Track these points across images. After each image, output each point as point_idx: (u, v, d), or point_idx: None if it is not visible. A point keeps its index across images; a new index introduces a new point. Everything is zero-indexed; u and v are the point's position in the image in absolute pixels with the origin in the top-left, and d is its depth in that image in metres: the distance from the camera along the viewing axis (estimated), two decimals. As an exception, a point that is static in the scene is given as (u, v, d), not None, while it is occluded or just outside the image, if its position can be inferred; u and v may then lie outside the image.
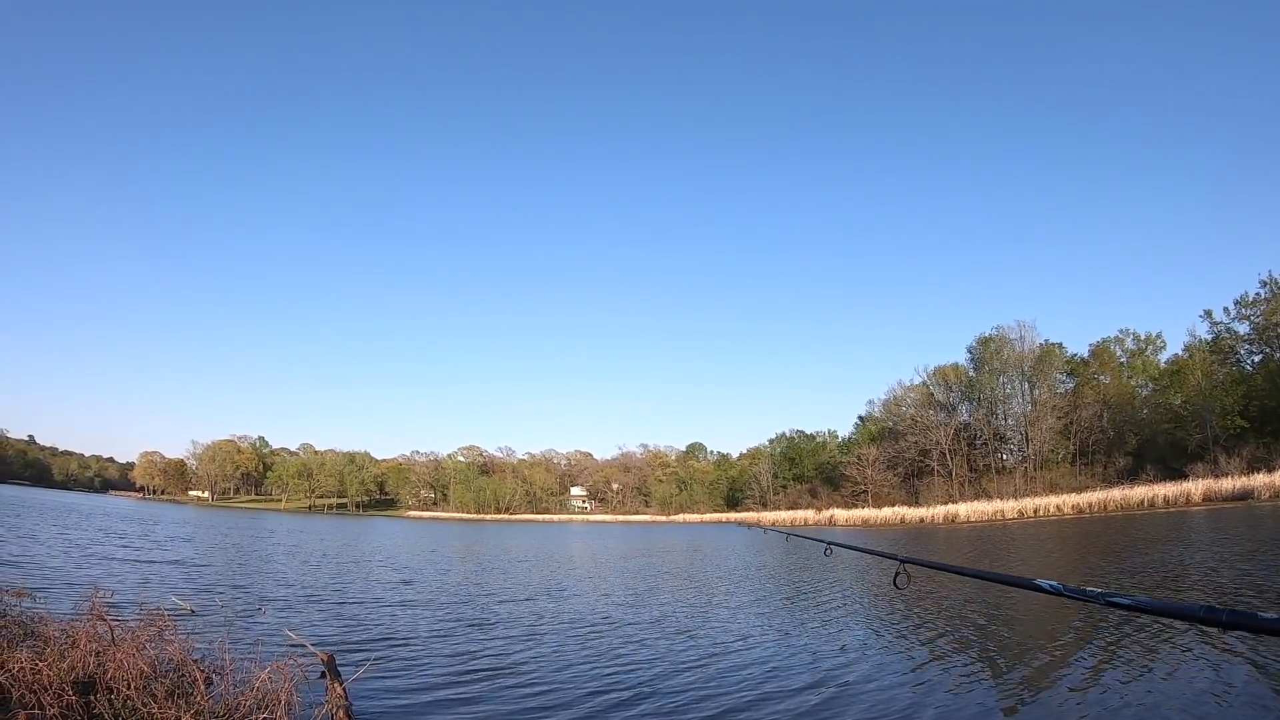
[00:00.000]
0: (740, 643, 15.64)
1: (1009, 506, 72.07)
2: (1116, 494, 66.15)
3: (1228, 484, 58.89)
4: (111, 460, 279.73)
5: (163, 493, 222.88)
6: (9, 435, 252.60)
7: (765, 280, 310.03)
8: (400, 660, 14.03)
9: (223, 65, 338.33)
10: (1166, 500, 60.55)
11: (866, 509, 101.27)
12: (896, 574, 4.85)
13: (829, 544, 8.17)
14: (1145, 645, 13.36)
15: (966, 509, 77.15)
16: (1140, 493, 63.88)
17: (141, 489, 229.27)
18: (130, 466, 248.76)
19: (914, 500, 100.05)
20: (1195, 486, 60.65)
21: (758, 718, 10.23)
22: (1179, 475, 68.49)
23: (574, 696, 11.40)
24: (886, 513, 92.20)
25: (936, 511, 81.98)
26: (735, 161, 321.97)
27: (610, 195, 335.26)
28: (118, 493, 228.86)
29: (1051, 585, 3.41)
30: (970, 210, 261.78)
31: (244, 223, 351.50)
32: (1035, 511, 70.34)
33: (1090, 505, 66.58)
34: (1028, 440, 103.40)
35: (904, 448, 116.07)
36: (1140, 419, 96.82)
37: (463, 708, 10.96)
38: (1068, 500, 69.49)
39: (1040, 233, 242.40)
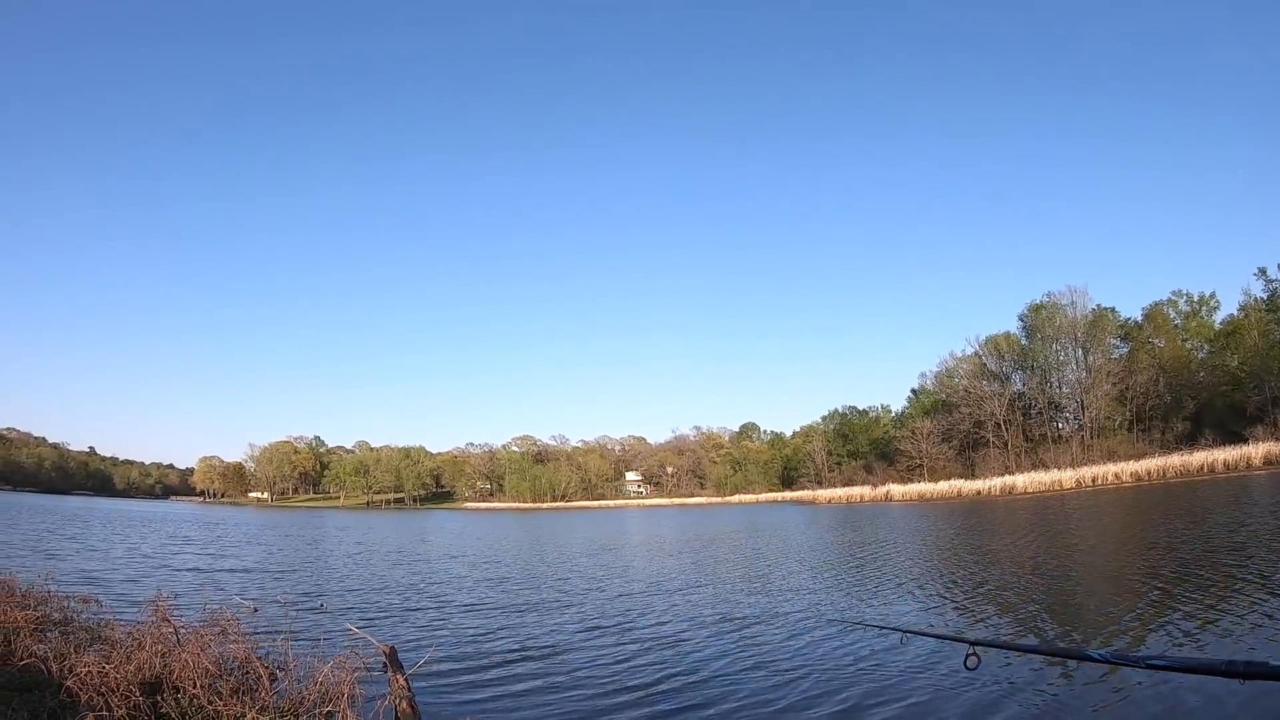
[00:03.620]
0: (799, 636, 15.42)
1: (1066, 476, 71.29)
2: (1175, 460, 64.94)
3: (1290, 447, 57.36)
4: (171, 467, 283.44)
5: (223, 496, 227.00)
6: (70, 448, 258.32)
7: (811, 255, 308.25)
8: (461, 650, 14.35)
9: (247, 67, 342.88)
10: (1226, 465, 59.41)
11: (922, 483, 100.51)
12: (967, 656, 4.65)
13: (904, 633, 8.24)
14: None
15: (1024, 480, 76.53)
16: (1199, 458, 62.60)
17: (202, 493, 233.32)
18: (190, 472, 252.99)
19: (970, 472, 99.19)
20: (1256, 450, 59.60)
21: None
22: (1238, 439, 67.22)
23: (632, 685, 11.58)
24: (943, 486, 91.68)
25: (993, 483, 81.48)
26: (774, 134, 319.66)
27: (650, 174, 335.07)
28: (179, 498, 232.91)
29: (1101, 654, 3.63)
30: (1014, 176, 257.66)
31: (282, 224, 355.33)
32: (1093, 481, 69.49)
33: (1149, 472, 65.58)
34: (1083, 408, 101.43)
35: (958, 420, 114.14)
36: (1197, 382, 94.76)
37: (524, 697, 11.22)
38: (1126, 468, 68.44)
39: (1086, 195, 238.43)
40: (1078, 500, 55.27)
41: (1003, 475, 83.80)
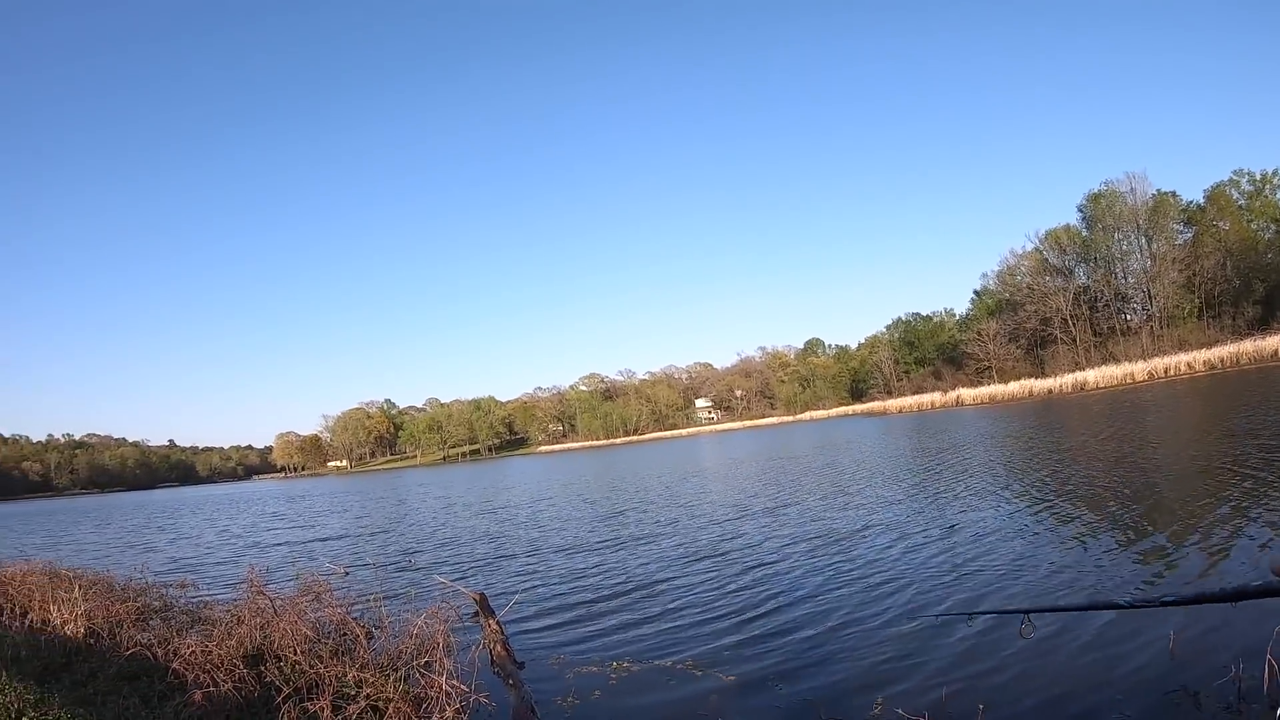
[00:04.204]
0: (885, 542, 15.65)
1: (1138, 369, 70.59)
2: (1248, 346, 64.16)
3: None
4: (250, 448, 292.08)
5: (303, 469, 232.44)
6: (151, 444, 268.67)
7: (861, 161, 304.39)
8: (555, 591, 14.56)
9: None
10: None
11: (992, 385, 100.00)
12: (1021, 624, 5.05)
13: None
14: None
15: (1094, 375, 76.00)
16: (1273, 343, 61.64)
17: (283, 469, 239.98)
18: (269, 450, 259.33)
19: (1039, 371, 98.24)
20: None
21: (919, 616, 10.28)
22: None
23: (731, 612, 11.57)
24: (1013, 387, 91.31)
25: (1064, 380, 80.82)
26: (824, 30, 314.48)
27: (703, 79, 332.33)
28: (261, 477, 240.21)
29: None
30: (1064, 61, 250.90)
31: (327, 188, 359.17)
32: (1166, 372, 68.54)
33: (1222, 360, 64.86)
34: (1150, 298, 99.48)
35: (1023, 318, 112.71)
36: (1266, 264, 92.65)
37: (622, 631, 11.28)
38: (1198, 357, 67.21)
39: (1137, 77, 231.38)
40: (1152, 393, 54.72)
41: (1073, 372, 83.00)
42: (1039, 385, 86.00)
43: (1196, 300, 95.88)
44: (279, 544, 28.56)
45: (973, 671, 7.88)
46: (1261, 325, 77.19)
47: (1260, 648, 6.54)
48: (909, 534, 15.80)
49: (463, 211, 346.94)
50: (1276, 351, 59.79)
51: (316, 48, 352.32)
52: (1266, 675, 6.23)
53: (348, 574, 16.58)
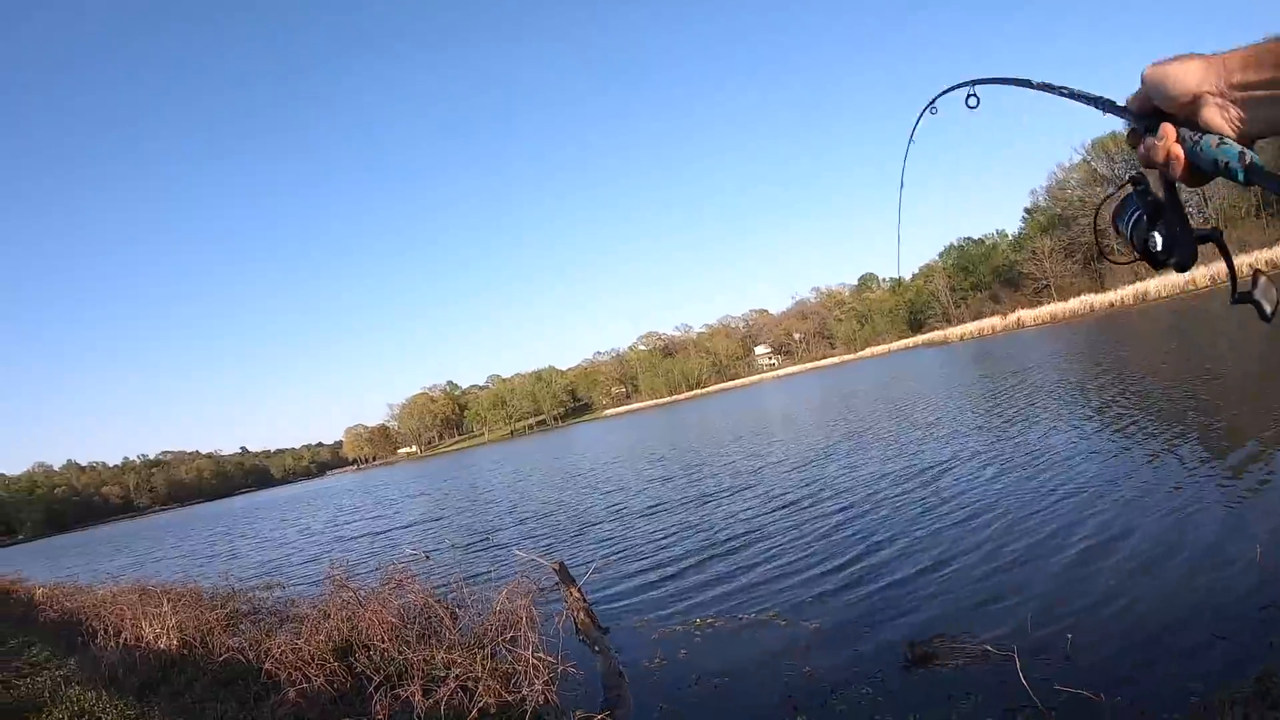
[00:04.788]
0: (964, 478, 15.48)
1: (1200, 274, 68.26)
2: None
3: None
4: (320, 445, 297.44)
5: (374, 459, 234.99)
6: (224, 453, 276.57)
7: (886, 77, 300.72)
8: (642, 552, 14.59)
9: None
10: None
11: (1052, 304, 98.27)
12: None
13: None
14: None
15: (1156, 284, 74.63)
16: None
17: (354, 462, 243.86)
18: (339, 445, 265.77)
19: (1099, 285, 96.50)
20: None
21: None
22: None
23: (832, 561, 11.40)
24: (1074, 304, 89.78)
25: (1124, 293, 79.44)
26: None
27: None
28: (334, 472, 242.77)
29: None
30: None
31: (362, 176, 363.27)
32: (1239, 271, 65.64)
33: None
34: (1205, 199, 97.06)
35: (1077, 233, 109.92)
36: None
37: (700, 590, 11.30)
38: (1260, 256, 64.52)
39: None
40: (1217, 299, 51.23)
41: (1133, 284, 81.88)
42: (1099, 300, 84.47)
43: (1253, 198, 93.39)
44: (359, 536, 28.98)
45: (1061, 601, 7.85)
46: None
47: None
48: (991, 463, 15.66)
49: (508, 185, 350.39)
50: None
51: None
52: None
53: (428, 558, 16.61)
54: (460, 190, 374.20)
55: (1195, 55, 1.09)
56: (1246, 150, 1.05)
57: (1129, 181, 1.36)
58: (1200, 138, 1.10)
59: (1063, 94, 1.46)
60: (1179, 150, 1.12)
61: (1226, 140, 1.07)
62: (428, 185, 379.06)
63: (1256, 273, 1.29)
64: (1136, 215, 1.34)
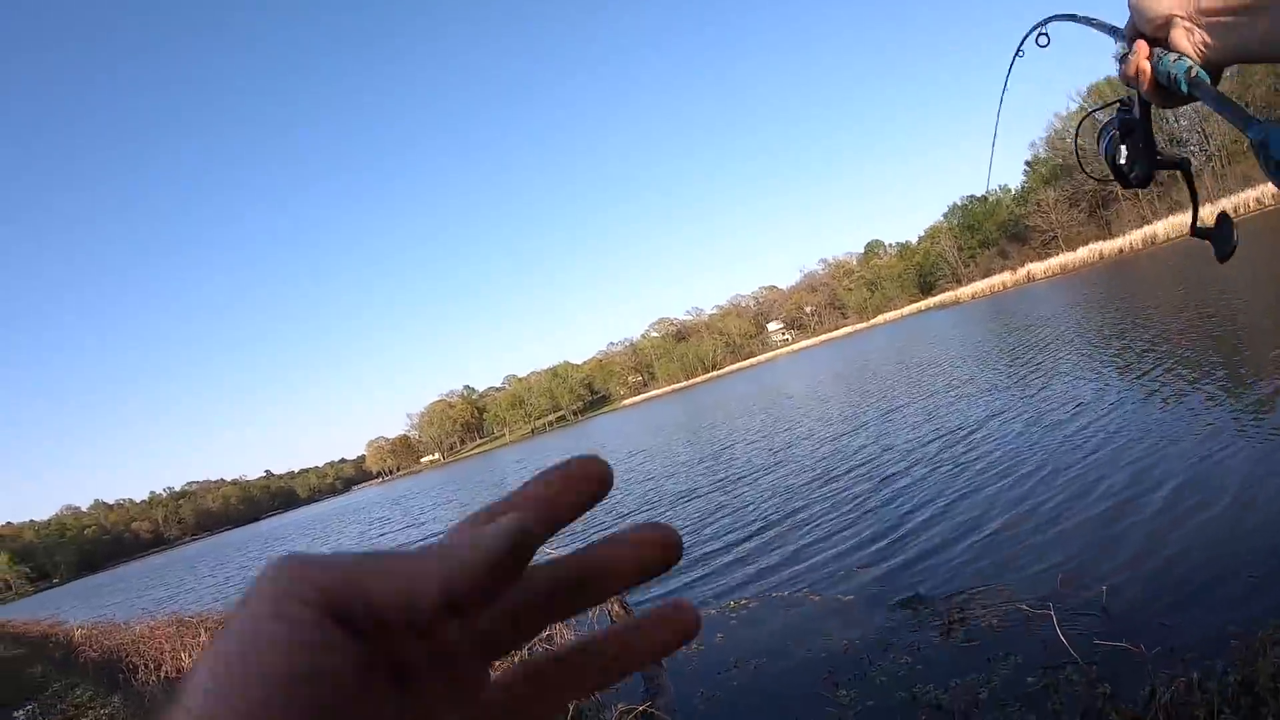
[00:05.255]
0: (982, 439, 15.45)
1: (1206, 212, 65.60)
2: None
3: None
4: (344, 460, 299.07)
5: (398, 470, 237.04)
6: (249, 478, 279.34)
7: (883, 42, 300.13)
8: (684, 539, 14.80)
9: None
10: None
11: (1061, 255, 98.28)
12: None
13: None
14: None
15: (1164, 226, 74.34)
16: None
17: (379, 474, 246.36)
18: (362, 459, 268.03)
19: (1107, 232, 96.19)
20: None
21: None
22: None
23: (844, 533, 11.56)
24: (1083, 253, 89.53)
25: (1133, 238, 79.30)
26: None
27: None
28: (359, 487, 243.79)
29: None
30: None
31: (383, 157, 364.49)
32: (1235, 211, 64.54)
33: None
34: (1206, 137, 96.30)
35: (1081, 181, 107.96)
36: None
37: (734, 571, 11.40)
38: (1267, 191, 64.21)
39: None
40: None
41: (1140, 228, 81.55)
42: (1108, 247, 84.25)
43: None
44: (394, 546, 28.60)
45: (1095, 554, 7.87)
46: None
47: None
48: (1017, 419, 15.61)
49: (509, 184, 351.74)
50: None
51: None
52: None
53: None
54: (460, 191, 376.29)
55: None
56: (1196, 66, 1.10)
57: (1115, 103, 1.40)
58: (1165, 54, 1.14)
59: (1096, 25, 1.46)
60: (1146, 65, 1.17)
61: (1182, 57, 1.11)
62: (427, 187, 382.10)
63: (1223, 213, 1.31)
64: (1111, 132, 1.39)
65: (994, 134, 2.66)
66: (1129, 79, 1.22)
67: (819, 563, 10.55)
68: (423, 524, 35.76)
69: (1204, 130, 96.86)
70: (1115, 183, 1.44)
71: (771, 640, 8.22)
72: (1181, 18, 1.11)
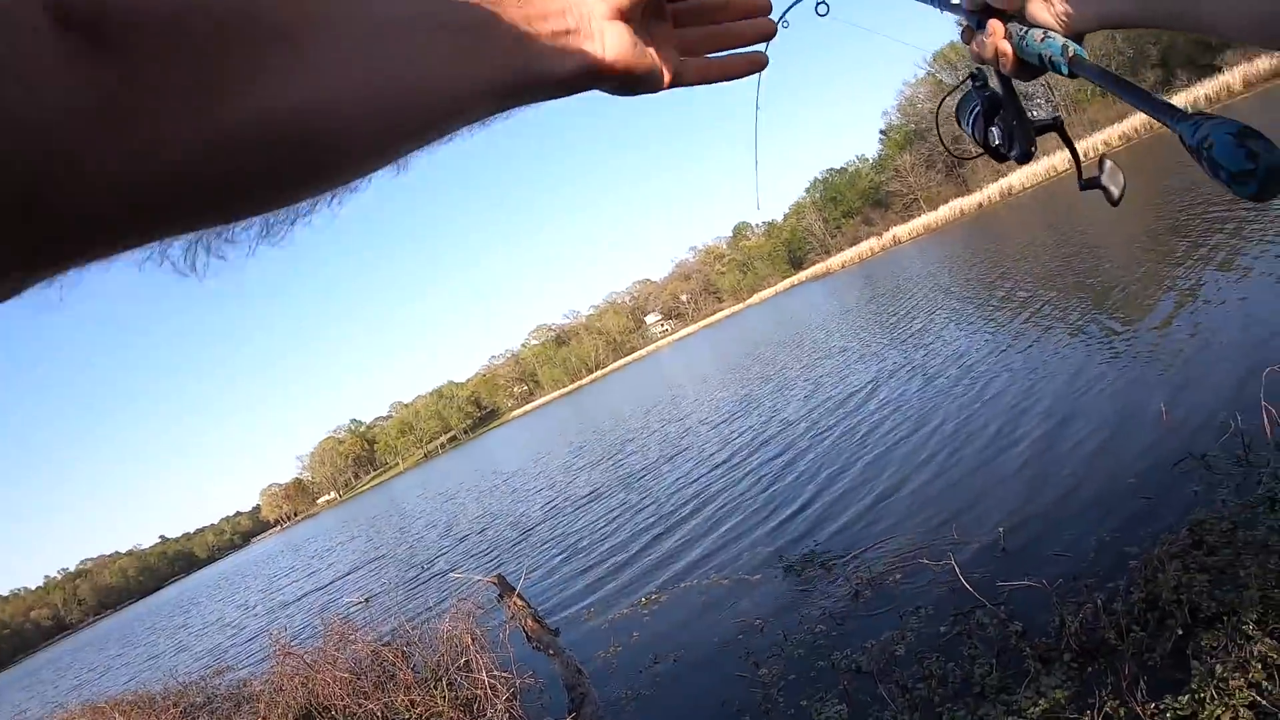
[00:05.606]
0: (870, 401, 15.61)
1: (1059, 160, 69.62)
2: None
3: (1263, 64, 54.73)
4: (239, 514, 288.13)
5: (296, 515, 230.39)
6: (143, 547, 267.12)
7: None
8: (569, 548, 14.59)
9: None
10: (1209, 99, 57.24)
11: (923, 215, 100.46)
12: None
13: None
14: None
15: (1019, 177, 76.10)
16: (1180, 99, 60.02)
17: (277, 522, 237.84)
18: (258, 509, 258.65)
19: (965, 189, 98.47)
20: (1233, 76, 57.89)
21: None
22: (1212, 71, 64.35)
23: (747, 515, 11.60)
24: (944, 212, 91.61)
25: (990, 192, 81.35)
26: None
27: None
28: (259, 538, 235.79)
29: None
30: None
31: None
32: (1085, 154, 66.95)
33: (1135, 130, 63.74)
34: (1051, 89, 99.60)
35: (934, 144, 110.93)
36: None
37: (642, 567, 11.38)
38: (1112, 132, 65.81)
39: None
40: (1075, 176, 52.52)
41: (996, 180, 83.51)
42: (968, 203, 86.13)
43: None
44: (300, 596, 28.30)
45: (989, 500, 8.10)
46: (1165, 86, 76.40)
47: (1253, 399, 6.71)
48: (905, 377, 15.83)
49: (370, 198, 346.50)
50: (1187, 106, 58.89)
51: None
52: (1266, 422, 6.38)
53: (369, 602, 16.51)
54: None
55: None
56: (1070, 43, 0.99)
57: (968, 78, 1.30)
58: (1026, 32, 1.03)
59: None
60: (1006, 46, 1.05)
61: (1051, 34, 1.01)
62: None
63: (1102, 158, 1.17)
64: (975, 111, 1.29)
65: (755, 156, 2.45)
66: (985, 60, 1.12)
67: (725, 546, 10.63)
68: (328, 567, 34.77)
69: (1048, 83, 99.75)
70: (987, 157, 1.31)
71: (688, 630, 8.29)
72: None
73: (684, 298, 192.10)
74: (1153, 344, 10.64)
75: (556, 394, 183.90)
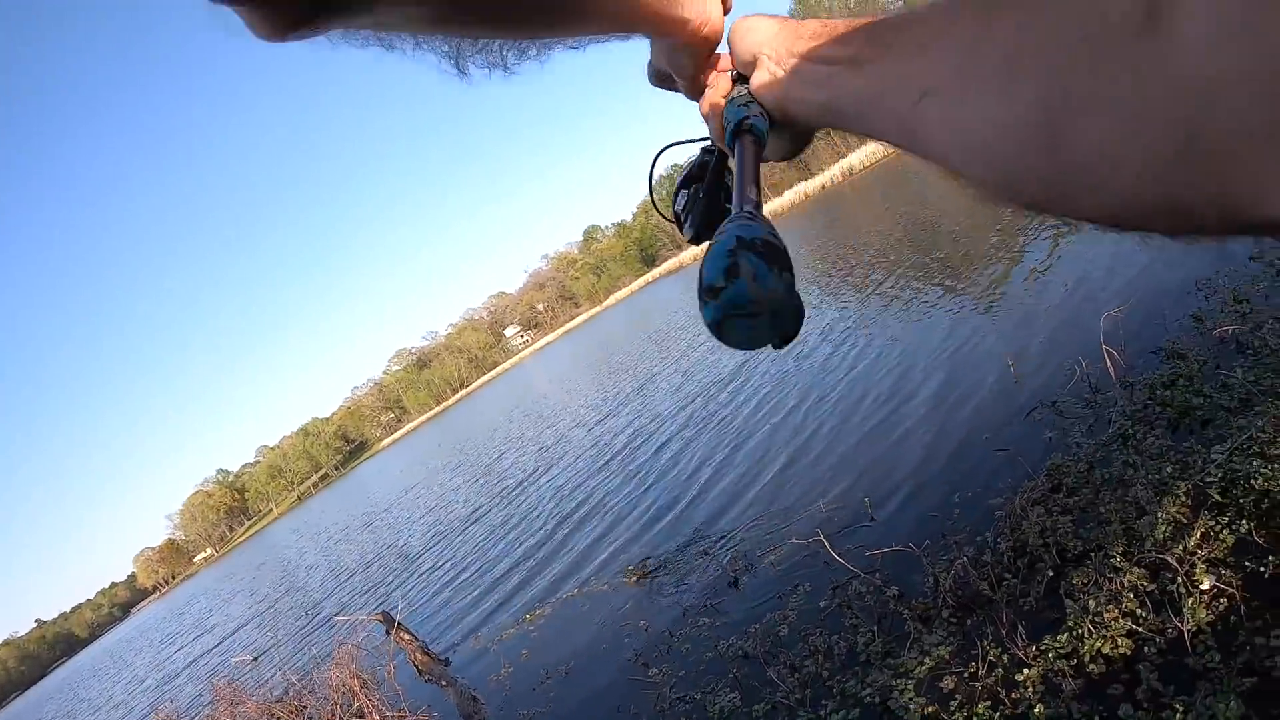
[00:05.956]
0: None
1: (863, 155, 72.60)
2: None
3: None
4: (114, 585, 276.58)
5: (174, 578, 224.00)
6: (19, 634, 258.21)
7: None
8: (452, 575, 14.40)
9: None
10: None
11: (769, 203, 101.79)
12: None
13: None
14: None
15: (858, 157, 77.69)
16: None
17: (155, 588, 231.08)
18: (134, 577, 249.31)
19: (807, 173, 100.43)
20: None
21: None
22: None
23: (622, 517, 11.68)
24: (789, 196, 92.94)
25: (832, 173, 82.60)
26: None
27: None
28: (139, 608, 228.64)
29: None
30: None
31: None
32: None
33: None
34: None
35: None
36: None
37: (523, 586, 11.29)
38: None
39: None
40: (901, 159, 54.12)
41: (837, 161, 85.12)
42: (811, 186, 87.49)
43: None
44: (190, 662, 27.18)
45: (852, 471, 8.27)
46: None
47: (1093, 342, 7.04)
48: (770, 359, 15.79)
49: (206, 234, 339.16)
50: None
51: None
52: (1109, 364, 6.67)
53: (257, 659, 16.11)
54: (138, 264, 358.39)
55: (780, 17, 0.88)
56: (756, 117, 0.83)
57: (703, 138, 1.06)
58: (737, 95, 0.87)
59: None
60: (720, 103, 0.90)
61: (748, 103, 0.84)
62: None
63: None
64: (689, 169, 1.07)
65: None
66: (705, 118, 0.98)
67: (603, 550, 10.69)
68: (215, 628, 33.51)
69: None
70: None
71: (575, 641, 8.27)
72: (769, 57, 0.84)
73: (541, 307, 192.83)
74: (994, 302, 11.04)
75: (425, 418, 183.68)
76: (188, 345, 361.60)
